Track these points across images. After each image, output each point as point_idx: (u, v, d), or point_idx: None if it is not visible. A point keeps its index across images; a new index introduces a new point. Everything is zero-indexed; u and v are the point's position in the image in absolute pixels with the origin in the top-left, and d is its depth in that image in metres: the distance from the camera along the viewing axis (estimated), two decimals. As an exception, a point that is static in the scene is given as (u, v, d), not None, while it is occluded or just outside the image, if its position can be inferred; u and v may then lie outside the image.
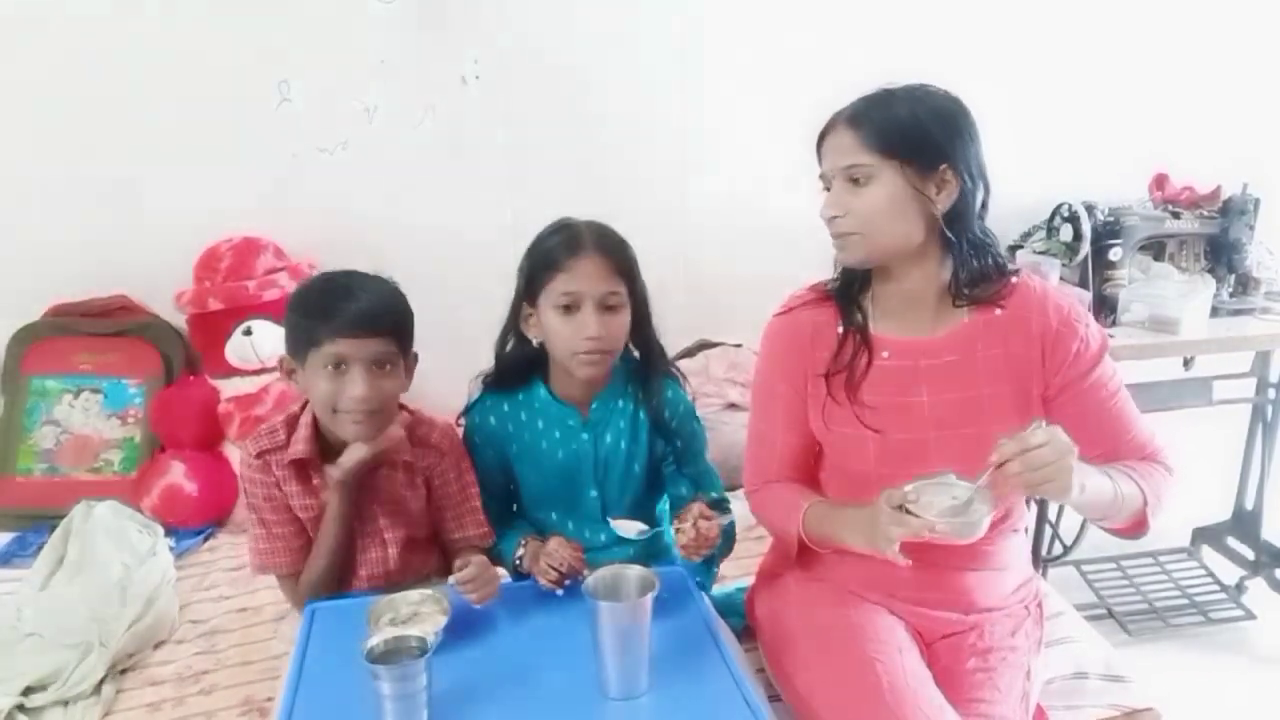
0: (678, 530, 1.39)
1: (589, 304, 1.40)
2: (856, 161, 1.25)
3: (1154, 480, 1.32)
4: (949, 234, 1.27)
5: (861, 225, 1.27)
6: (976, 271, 1.31)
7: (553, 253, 1.42)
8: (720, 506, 1.56)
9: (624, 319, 1.45)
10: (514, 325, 1.51)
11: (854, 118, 1.27)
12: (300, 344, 1.35)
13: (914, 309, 1.34)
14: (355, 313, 1.33)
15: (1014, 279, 1.34)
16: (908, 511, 1.16)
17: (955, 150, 1.24)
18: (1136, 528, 1.34)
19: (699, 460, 1.60)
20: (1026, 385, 1.31)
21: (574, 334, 1.41)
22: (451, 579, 1.36)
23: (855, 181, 1.26)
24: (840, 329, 1.37)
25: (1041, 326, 1.31)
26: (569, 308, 1.41)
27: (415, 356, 1.45)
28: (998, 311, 1.32)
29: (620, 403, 1.53)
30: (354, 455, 1.38)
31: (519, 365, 1.53)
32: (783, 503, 1.41)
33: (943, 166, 1.24)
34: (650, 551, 1.61)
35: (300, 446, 1.40)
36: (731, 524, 1.56)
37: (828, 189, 1.32)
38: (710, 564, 1.54)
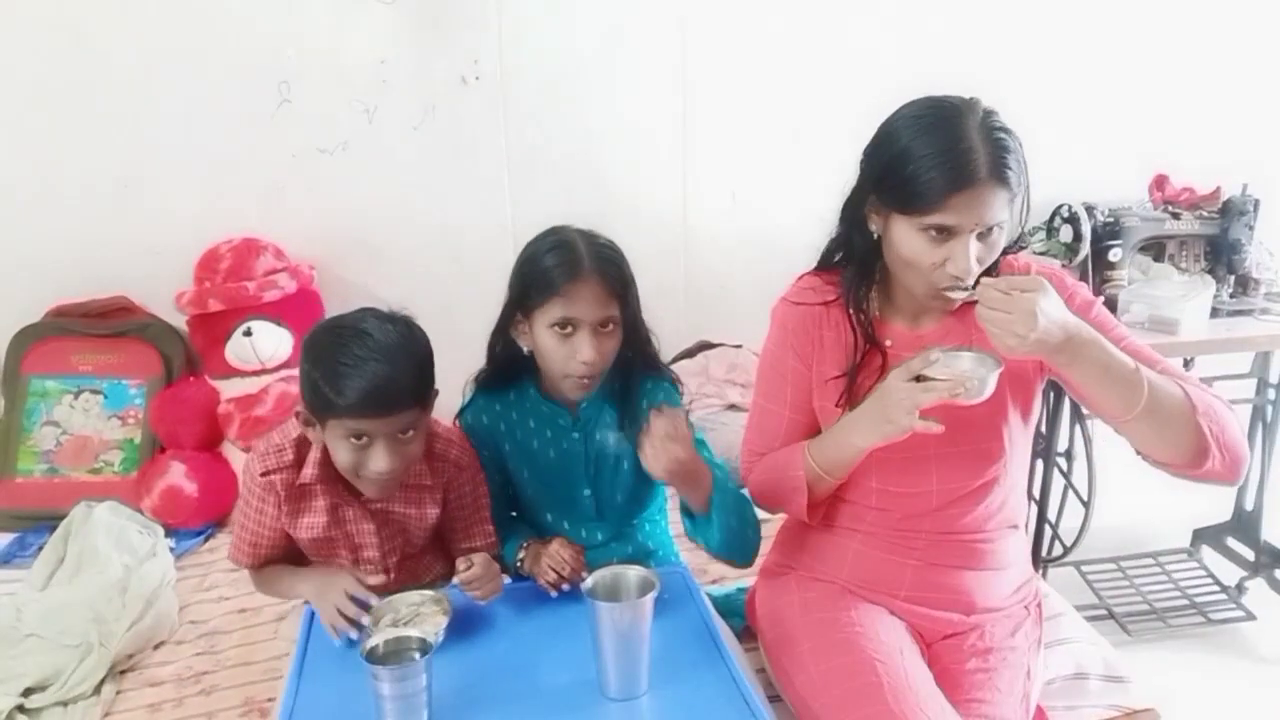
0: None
1: (585, 330, 1.38)
2: (1002, 219, 1.23)
3: (1205, 396, 1.22)
4: None
5: (981, 269, 1.25)
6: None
7: (550, 274, 1.38)
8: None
9: (617, 340, 1.43)
10: (505, 329, 1.50)
11: (998, 175, 1.19)
12: (317, 408, 1.31)
13: (917, 303, 1.35)
14: (375, 393, 1.27)
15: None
16: (923, 380, 1.17)
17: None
18: (1198, 459, 1.19)
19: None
20: (1022, 362, 1.31)
21: (568, 357, 1.40)
22: (456, 579, 1.36)
23: (987, 233, 1.23)
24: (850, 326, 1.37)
25: None
26: (564, 331, 1.39)
27: (435, 392, 1.41)
28: None
29: (611, 400, 1.53)
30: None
31: (510, 365, 1.52)
32: (782, 454, 1.41)
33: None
34: (648, 550, 1.61)
35: (310, 471, 1.39)
36: (747, 501, 1.50)
37: (940, 238, 1.23)
38: (707, 521, 1.41)
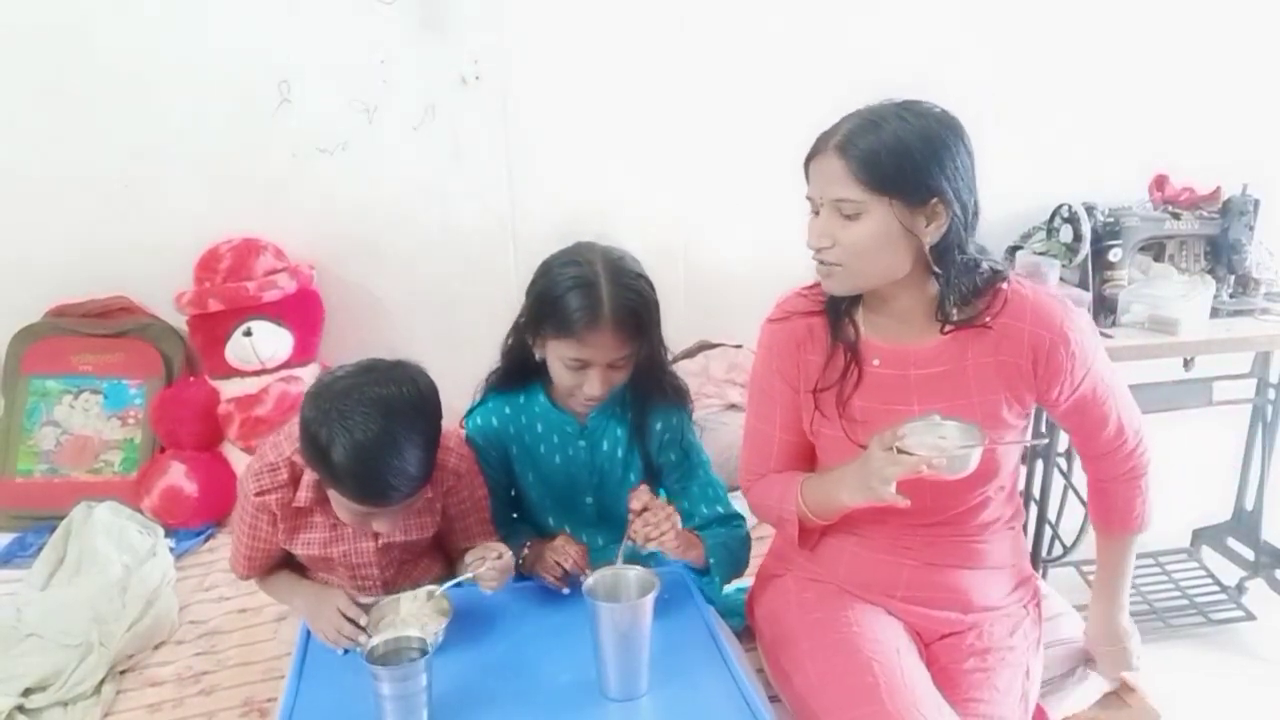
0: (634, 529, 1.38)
1: (597, 369, 1.39)
2: (846, 196, 1.22)
3: (1146, 505, 1.43)
4: (935, 265, 1.25)
5: (848, 259, 1.24)
6: (963, 294, 1.29)
7: (568, 317, 1.36)
8: (729, 523, 1.56)
9: (628, 370, 1.44)
10: (520, 333, 1.49)
11: (843, 146, 1.22)
12: (323, 479, 1.30)
13: (903, 323, 1.33)
14: (378, 494, 1.26)
15: (1003, 286, 1.31)
16: (900, 451, 1.16)
17: (945, 180, 1.21)
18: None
19: (696, 476, 1.58)
20: (1019, 391, 1.31)
21: (576, 386, 1.42)
22: (484, 568, 1.35)
23: (844, 214, 1.23)
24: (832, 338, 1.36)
25: (1034, 338, 1.28)
26: (576, 367, 1.40)
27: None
28: (988, 319, 1.30)
29: (618, 411, 1.53)
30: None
31: (523, 367, 1.52)
32: (779, 484, 1.41)
33: (933, 200, 1.21)
34: (648, 551, 1.61)
35: (305, 494, 1.37)
36: (741, 539, 1.56)
37: (815, 213, 1.28)
38: (710, 574, 1.50)
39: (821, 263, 1.28)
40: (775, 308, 1.44)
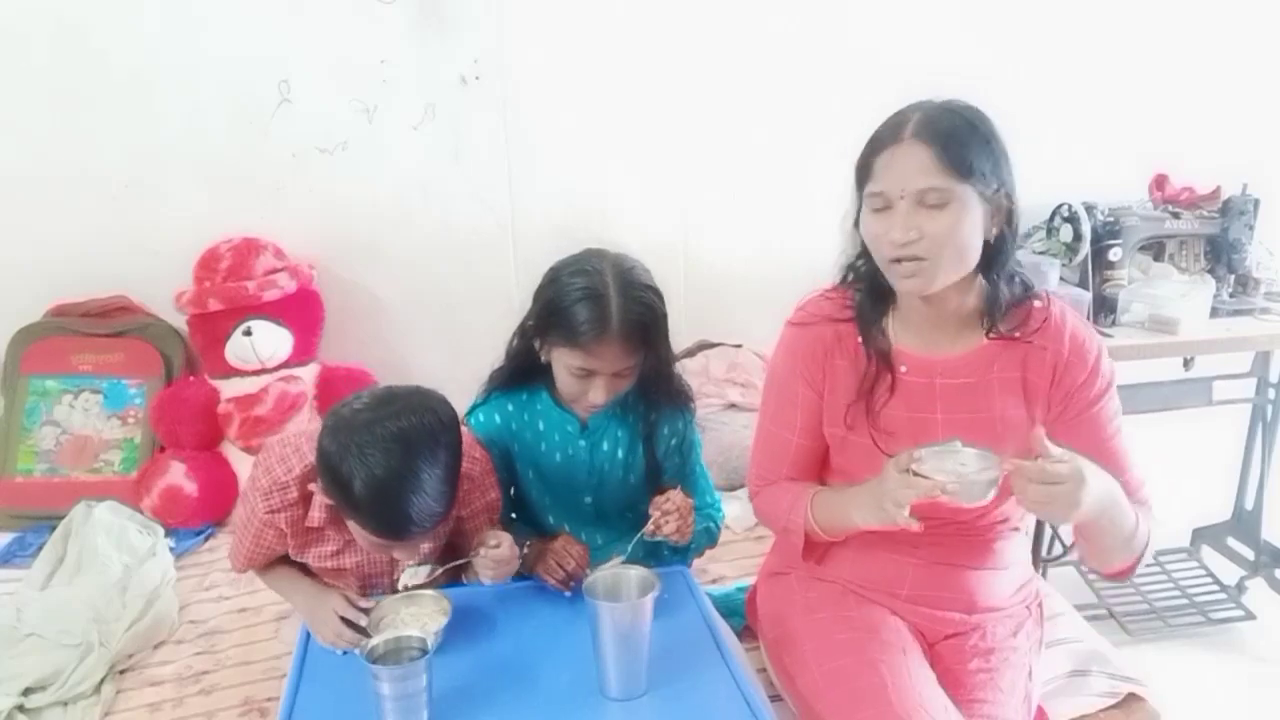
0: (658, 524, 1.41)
1: (602, 378, 1.39)
2: (933, 184, 1.16)
3: (1147, 530, 1.27)
4: (993, 260, 1.24)
5: (935, 251, 1.18)
6: (1009, 299, 1.28)
7: (575, 328, 1.35)
8: (710, 508, 1.59)
9: (633, 379, 1.44)
10: (525, 337, 1.49)
11: (928, 133, 1.16)
12: (343, 512, 1.28)
13: (938, 328, 1.32)
14: (402, 531, 1.23)
15: (1036, 304, 1.30)
16: (915, 475, 1.15)
17: (1007, 174, 1.20)
18: (1123, 574, 1.32)
19: (693, 472, 1.60)
20: (1035, 410, 1.31)
21: (581, 393, 1.43)
22: (483, 552, 1.34)
23: (929, 205, 1.17)
24: (861, 342, 1.34)
25: (1055, 355, 1.29)
26: (581, 375, 1.40)
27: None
28: (1018, 335, 1.29)
29: (620, 412, 1.53)
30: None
31: (528, 368, 1.52)
32: (788, 495, 1.40)
33: (1002, 192, 1.20)
34: (649, 549, 1.61)
35: (318, 514, 1.35)
36: (719, 521, 1.59)
37: (886, 208, 1.21)
38: (684, 552, 1.54)
39: (900, 261, 1.21)
40: (798, 310, 1.41)
